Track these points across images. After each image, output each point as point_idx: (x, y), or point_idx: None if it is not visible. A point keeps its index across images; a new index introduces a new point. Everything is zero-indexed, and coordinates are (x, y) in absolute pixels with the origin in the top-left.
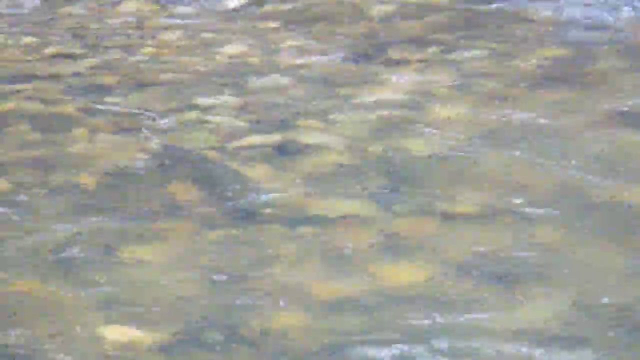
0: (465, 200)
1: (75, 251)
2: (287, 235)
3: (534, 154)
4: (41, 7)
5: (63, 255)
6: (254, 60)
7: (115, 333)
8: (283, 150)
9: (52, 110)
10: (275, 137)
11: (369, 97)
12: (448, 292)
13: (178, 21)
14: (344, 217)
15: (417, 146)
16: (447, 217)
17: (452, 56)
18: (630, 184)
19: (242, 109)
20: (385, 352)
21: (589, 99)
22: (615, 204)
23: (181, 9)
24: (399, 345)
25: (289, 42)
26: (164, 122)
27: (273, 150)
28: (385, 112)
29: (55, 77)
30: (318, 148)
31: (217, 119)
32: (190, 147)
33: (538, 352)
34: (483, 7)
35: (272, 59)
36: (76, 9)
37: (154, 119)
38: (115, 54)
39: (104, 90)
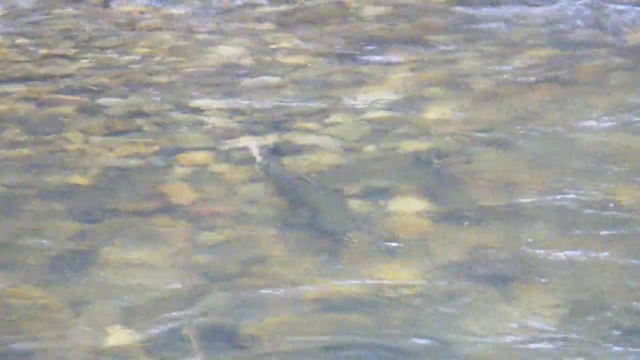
0: (458, 200)
1: (68, 252)
2: (281, 235)
3: (526, 153)
4: (35, 8)
5: (56, 255)
6: (248, 61)
7: (107, 333)
8: (278, 151)
9: (46, 112)
10: (270, 138)
11: (363, 97)
12: (440, 291)
13: (171, 22)
14: (337, 216)
15: (410, 146)
16: (441, 217)
17: (445, 57)
18: (621, 184)
19: (236, 110)
20: (378, 349)
21: (581, 98)
22: (607, 204)
23: (174, 10)
24: (392, 343)
25: (283, 44)
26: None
27: (268, 151)
28: (379, 113)
29: (48, 78)
30: (313, 149)
31: (211, 120)
32: (184, 148)
33: (529, 350)
34: (475, 10)
35: (265, 60)
36: (69, 10)
37: None
38: (108, 55)
39: (98, 91)
